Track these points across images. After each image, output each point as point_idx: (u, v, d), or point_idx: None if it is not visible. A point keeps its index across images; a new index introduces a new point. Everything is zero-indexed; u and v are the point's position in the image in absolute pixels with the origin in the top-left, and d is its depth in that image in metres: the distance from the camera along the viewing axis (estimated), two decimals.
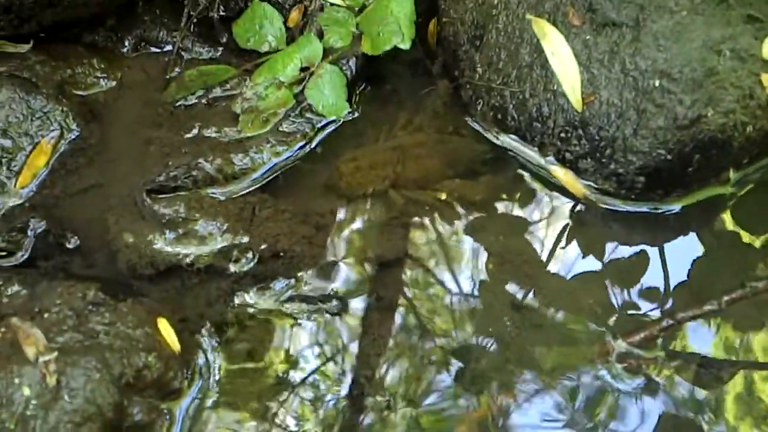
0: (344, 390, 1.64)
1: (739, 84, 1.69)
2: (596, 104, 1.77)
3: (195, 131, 1.87)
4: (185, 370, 1.53)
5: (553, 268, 1.84)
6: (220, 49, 2.04)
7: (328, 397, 1.62)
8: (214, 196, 1.77)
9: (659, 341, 1.64)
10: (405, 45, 1.99)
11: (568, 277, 1.83)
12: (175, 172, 1.76)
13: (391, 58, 2.11)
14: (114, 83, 1.96)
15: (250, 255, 1.69)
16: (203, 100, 1.93)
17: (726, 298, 1.54)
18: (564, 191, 1.90)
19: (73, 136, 1.84)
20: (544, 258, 1.85)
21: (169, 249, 1.69)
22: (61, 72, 1.89)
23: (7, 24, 1.80)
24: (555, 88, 1.81)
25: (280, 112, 1.91)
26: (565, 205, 1.92)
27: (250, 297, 1.67)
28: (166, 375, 1.48)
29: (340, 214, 1.87)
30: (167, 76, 1.98)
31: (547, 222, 1.90)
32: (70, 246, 1.71)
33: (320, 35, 2.00)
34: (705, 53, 1.69)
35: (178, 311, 1.64)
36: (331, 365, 1.65)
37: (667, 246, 1.86)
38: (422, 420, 1.65)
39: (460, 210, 1.90)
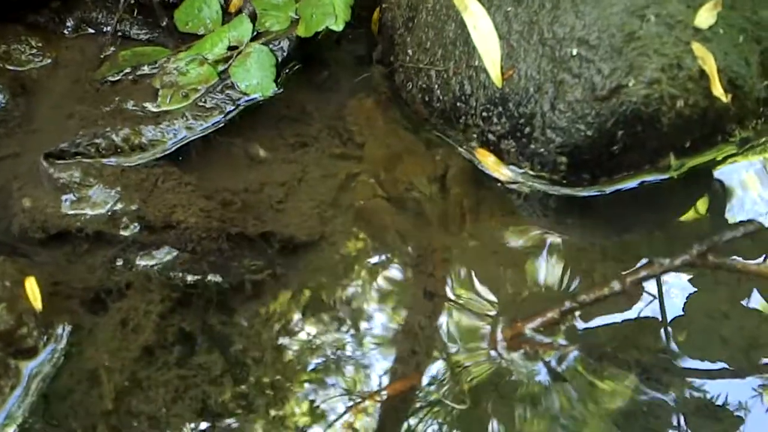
0: (217, 366, 1.48)
1: (664, 51, 1.48)
2: (515, 78, 1.59)
3: (114, 105, 1.78)
4: (43, 330, 1.40)
5: (472, 255, 1.65)
6: (158, 31, 1.97)
7: (198, 370, 1.46)
8: (117, 164, 1.67)
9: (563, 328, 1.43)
10: (337, 27, 1.87)
11: (487, 264, 1.63)
12: (79, 140, 1.67)
13: (335, 46, 2.02)
14: (49, 61, 1.90)
15: (137, 223, 1.57)
16: (130, 77, 1.83)
17: (630, 279, 1.31)
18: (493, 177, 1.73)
19: None
20: (462, 245, 1.66)
21: (60, 213, 1.58)
22: None
23: None
24: (477, 63, 1.64)
25: (200, 88, 1.80)
26: (493, 191, 1.73)
27: (133, 264, 1.54)
28: (18, 330, 1.35)
29: (253, 193, 1.73)
30: (102, 56, 1.92)
31: (470, 210, 1.71)
32: None
33: (253, 17, 1.91)
34: (626, 18, 1.49)
35: (57, 274, 1.52)
36: (203, 339, 1.50)
37: (594, 231, 1.65)
38: (304, 408, 1.47)
39: (382, 195, 1.74)
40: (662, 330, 1.51)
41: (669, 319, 1.50)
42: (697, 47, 1.48)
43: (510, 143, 1.62)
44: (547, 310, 1.38)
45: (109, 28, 1.95)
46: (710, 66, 1.48)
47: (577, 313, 1.45)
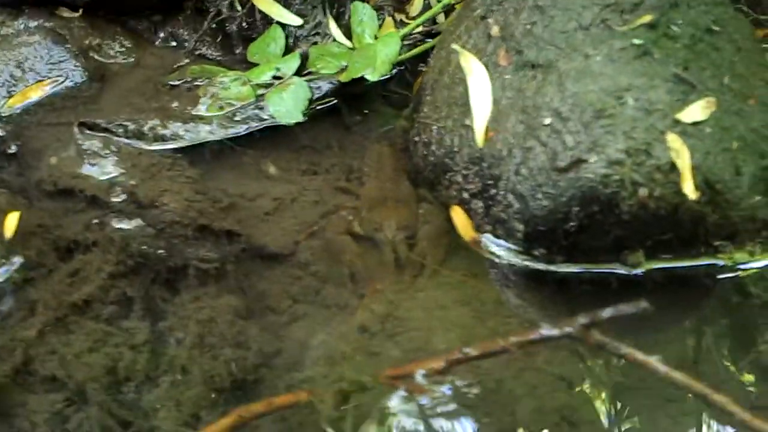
0: (141, 334, 1.52)
1: (633, 135, 1.40)
2: (494, 140, 1.57)
3: (162, 103, 1.97)
4: (3, 254, 1.54)
5: (418, 304, 1.59)
6: (230, 57, 2.16)
7: (123, 333, 1.51)
8: (137, 147, 1.83)
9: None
10: (372, 77, 1.97)
11: (429, 316, 1.57)
12: (113, 119, 1.85)
13: (378, 99, 2.10)
14: (132, 60, 2.14)
15: (128, 195, 1.69)
16: (186, 85, 2.03)
17: (513, 339, 1.20)
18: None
19: (72, 85, 2.03)
20: (412, 294, 1.61)
21: (73, 173, 1.75)
22: (91, 38, 2.11)
23: None
24: (468, 122, 1.64)
25: (236, 104, 1.94)
26: (462, 252, 1.68)
27: (105, 227, 1.65)
28: None
29: (246, 200, 1.81)
30: (175, 66, 2.13)
31: (432, 265, 1.65)
32: (9, 152, 1.84)
33: (305, 57, 2.04)
34: (603, 96, 1.43)
35: (45, 221, 1.66)
36: (140, 307, 1.55)
37: (552, 311, 1.54)
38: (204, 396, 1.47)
39: (353, 231, 1.74)
40: None
41: None
42: (673, 138, 1.38)
43: (478, 203, 1.58)
44: (436, 358, 1.30)
45: (189, 44, 2.17)
46: (683, 160, 1.37)
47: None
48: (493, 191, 1.54)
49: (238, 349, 1.52)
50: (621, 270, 1.51)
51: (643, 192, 1.39)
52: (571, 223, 1.44)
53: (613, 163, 1.39)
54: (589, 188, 1.41)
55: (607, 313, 1.10)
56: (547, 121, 1.46)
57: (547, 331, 1.15)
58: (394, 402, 1.32)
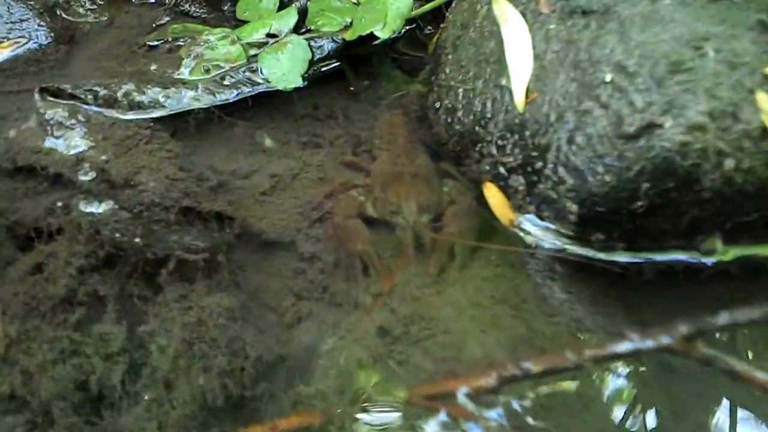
0: (117, 342, 1.23)
1: (718, 94, 1.11)
2: (539, 103, 1.28)
3: (138, 66, 1.66)
4: None
5: (447, 302, 1.32)
6: (216, 14, 1.85)
7: (96, 340, 1.22)
8: (110, 116, 1.52)
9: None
10: (383, 34, 1.66)
11: (460, 315, 1.29)
12: (80, 84, 1.54)
13: (388, 62, 1.80)
14: (105, 19, 1.83)
15: (98, 173, 1.38)
16: (167, 46, 1.71)
17: (589, 353, 0.93)
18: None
19: (36, 47, 1.72)
20: (440, 290, 1.33)
21: (35, 148, 1.44)
22: None
23: None
24: (504, 83, 1.35)
25: (224, 66, 1.63)
26: (497, 237, 1.39)
27: (71, 210, 1.35)
28: None
29: (238, 177, 1.52)
30: (154, 24, 1.82)
31: (462, 254, 1.37)
32: None
33: (303, 11, 1.73)
34: (678, 47, 1.14)
35: (3, 204, 1.37)
36: (114, 308, 1.26)
37: (604, 309, 1.26)
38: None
39: (364, 215, 1.46)
40: None
41: None
42: (763, 98, 1.10)
43: (519, 180, 1.30)
44: (484, 374, 1.02)
45: (169, 0, 1.86)
46: None
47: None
48: (538, 164, 1.25)
49: (233, 358, 1.24)
50: (687, 258, 1.24)
51: (729, 164, 1.11)
52: (639, 203, 1.16)
53: (694, 128, 1.11)
54: (663, 159, 1.12)
55: (722, 320, 0.83)
56: (608, 77, 1.17)
57: (637, 343, 0.88)
58: (433, 428, 1.04)
